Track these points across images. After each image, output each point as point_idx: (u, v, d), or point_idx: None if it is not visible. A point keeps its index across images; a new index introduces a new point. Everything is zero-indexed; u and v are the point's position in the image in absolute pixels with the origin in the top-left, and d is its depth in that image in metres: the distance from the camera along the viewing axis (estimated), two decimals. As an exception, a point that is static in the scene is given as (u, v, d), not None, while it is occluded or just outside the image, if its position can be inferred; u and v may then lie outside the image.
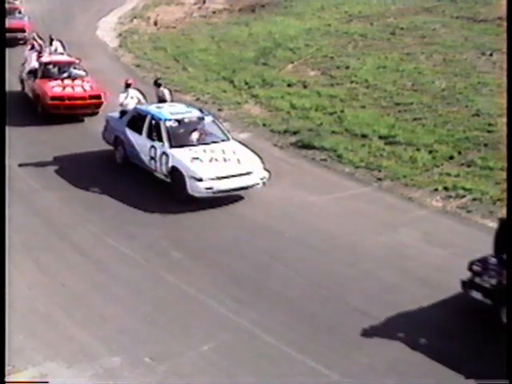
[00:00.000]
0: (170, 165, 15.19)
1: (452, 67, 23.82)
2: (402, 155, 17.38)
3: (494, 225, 13.96)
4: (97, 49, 28.06)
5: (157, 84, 18.77)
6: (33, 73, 21.34)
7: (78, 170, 16.78)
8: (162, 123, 15.83)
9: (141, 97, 17.93)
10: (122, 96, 17.80)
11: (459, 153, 17.37)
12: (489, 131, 18.44)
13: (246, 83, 23.42)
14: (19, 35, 28.47)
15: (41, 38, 24.04)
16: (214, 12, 34.93)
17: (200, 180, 14.58)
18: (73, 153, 17.76)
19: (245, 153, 15.54)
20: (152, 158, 15.74)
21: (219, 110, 21.23)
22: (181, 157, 15.13)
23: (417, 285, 11.95)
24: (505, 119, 19.06)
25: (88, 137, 18.85)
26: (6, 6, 26.81)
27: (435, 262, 12.32)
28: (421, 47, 26.36)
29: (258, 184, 15.05)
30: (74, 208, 14.88)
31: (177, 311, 11.19)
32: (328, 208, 14.91)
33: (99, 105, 20.29)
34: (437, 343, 10.37)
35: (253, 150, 15.76)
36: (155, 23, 32.90)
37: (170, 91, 18.96)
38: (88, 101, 20.32)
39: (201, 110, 16.89)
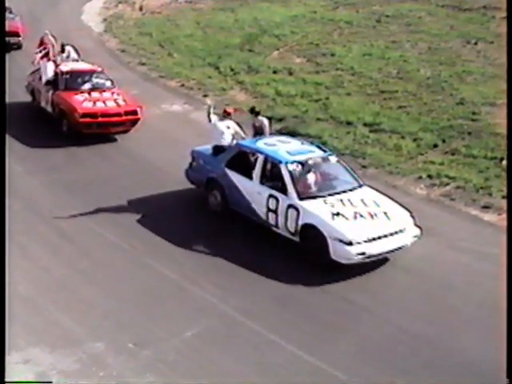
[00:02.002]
0: (301, 222, 12.18)
1: (437, 55, 23.84)
2: (386, 143, 17.40)
3: (477, 213, 14.11)
4: (82, 33, 27.77)
5: (254, 112, 15.26)
6: (51, 84, 18.52)
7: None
8: (282, 167, 12.73)
9: (238, 128, 14.55)
10: (221, 125, 14.36)
11: (443, 141, 17.42)
12: (473, 120, 18.50)
13: (232, 69, 23.35)
14: (12, 40, 24.62)
15: (54, 37, 20.23)
16: (199, -3, 34.74)
17: (349, 244, 11.63)
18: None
19: (389, 204, 12.65)
20: (271, 211, 12.69)
21: (204, 96, 21.13)
22: (318, 212, 12.12)
23: (399, 273, 12.00)
24: (488, 108, 19.22)
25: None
26: None
27: (418, 250, 12.35)
28: (406, 35, 26.36)
29: (409, 243, 12.27)
30: (58, 193, 14.81)
31: (160, 297, 11.19)
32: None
33: (135, 121, 17.78)
34: (419, 329, 10.45)
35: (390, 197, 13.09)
36: (140, 8, 32.69)
37: (270, 121, 16.10)
38: (124, 117, 17.68)
39: (320, 147, 13.87)
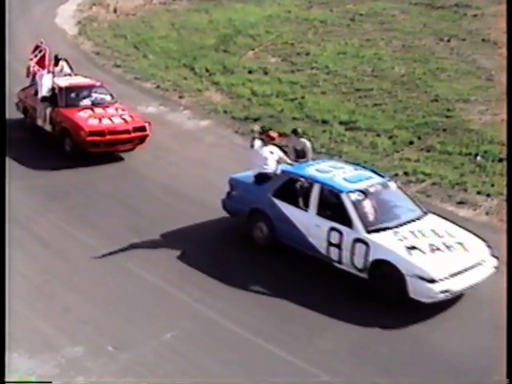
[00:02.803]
0: (372, 258, 11.06)
1: (411, 53, 23.95)
2: (362, 141, 17.47)
3: (452, 208, 14.20)
4: (55, 36, 27.55)
5: (296, 133, 14.13)
6: (48, 100, 17.33)
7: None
8: (344, 197, 11.61)
9: (282, 154, 13.22)
10: (264, 151, 13.00)
11: (419, 138, 17.52)
12: (447, 116, 18.62)
13: (207, 70, 23.31)
14: None
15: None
16: (173, -1, 34.66)
17: (432, 281, 10.49)
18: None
19: (462, 233, 11.62)
20: (333, 245, 11.53)
21: (180, 97, 21.12)
22: (391, 246, 11.00)
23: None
24: (462, 104, 19.36)
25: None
26: None
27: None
28: (380, 33, 26.45)
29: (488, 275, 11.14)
30: (35, 198, 14.71)
31: (138, 300, 11.16)
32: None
33: (144, 138, 16.76)
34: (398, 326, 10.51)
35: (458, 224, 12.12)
36: (115, 10, 32.52)
37: (312, 143, 14.96)
38: (132, 134, 16.62)
39: (376, 172, 12.78)
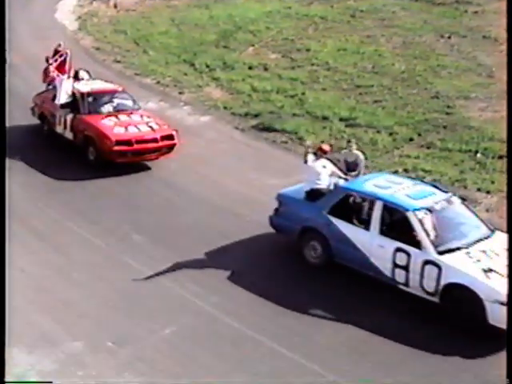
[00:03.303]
0: (445, 281, 10.31)
1: (411, 50, 23.93)
2: (362, 137, 17.45)
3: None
4: (55, 31, 27.51)
5: (350, 145, 13.65)
6: (69, 106, 16.61)
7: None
8: (410, 215, 10.89)
9: (334, 168, 12.56)
10: (317, 166, 12.32)
11: (419, 135, 17.52)
12: (447, 113, 18.62)
13: (207, 66, 23.29)
14: None
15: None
16: (174, -6, 34.60)
17: None
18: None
19: None
20: (399, 267, 10.78)
21: (180, 93, 21.11)
22: (466, 269, 10.24)
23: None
24: (463, 101, 19.34)
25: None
26: None
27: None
28: (381, 30, 26.42)
29: None
30: (35, 193, 14.71)
31: (138, 295, 11.17)
32: (289, 190, 14.90)
33: (172, 147, 16.03)
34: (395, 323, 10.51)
35: None
36: (115, 6, 32.45)
37: (364, 154, 14.34)
38: (160, 143, 15.85)
39: (437, 187, 11.98)
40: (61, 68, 17.86)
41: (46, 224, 13.40)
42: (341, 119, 18.54)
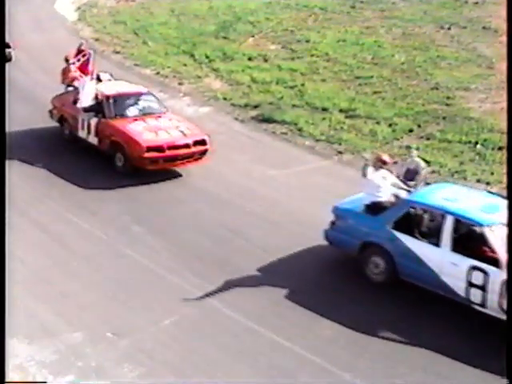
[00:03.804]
0: None
1: (411, 41, 23.92)
2: (362, 128, 17.46)
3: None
4: (55, 22, 27.57)
5: (409, 151, 13.25)
6: (93, 110, 15.71)
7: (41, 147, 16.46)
8: (487, 231, 10.12)
9: (395, 179, 11.82)
10: (377, 178, 11.53)
11: (418, 126, 17.53)
12: (447, 104, 18.62)
13: (207, 57, 23.28)
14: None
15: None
16: (173, -15, 34.53)
17: None
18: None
19: None
20: (474, 286, 10.05)
21: (180, 83, 21.10)
22: None
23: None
24: (462, 92, 19.33)
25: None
26: None
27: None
28: (380, 21, 26.40)
29: None
30: (34, 185, 14.69)
31: (137, 286, 11.16)
32: (288, 182, 14.93)
33: (204, 152, 15.29)
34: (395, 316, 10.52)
35: None
36: (114, -4, 32.46)
37: (427, 163, 13.79)
38: (192, 149, 15.05)
39: (500, 196, 11.30)
40: (83, 69, 17.07)
41: (44, 215, 13.36)
42: (340, 110, 18.54)
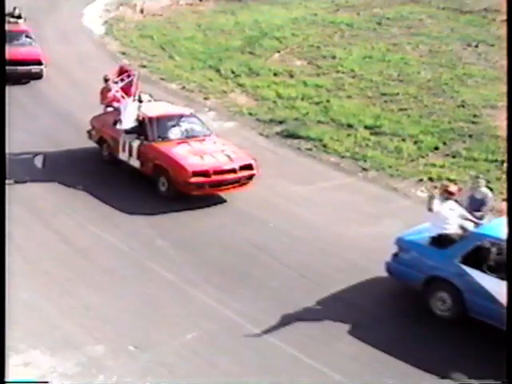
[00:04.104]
0: None
1: (438, 58, 23.87)
2: (387, 145, 17.43)
3: (477, 215, 14.10)
4: (82, 36, 27.85)
5: (477, 182, 12.66)
6: (135, 132, 15.27)
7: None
8: None
9: (463, 210, 11.30)
10: (444, 210, 11.01)
11: (444, 143, 17.46)
12: (473, 122, 18.56)
13: (233, 72, 23.37)
14: (33, 69, 21.49)
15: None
16: (200, 0, 34.78)
17: None
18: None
19: None
20: None
21: (205, 98, 21.19)
22: None
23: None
24: (489, 110, 19.23)
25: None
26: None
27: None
28: (407, 38, 26.39)
29: None
30: (59, 196, 14.78)
31: (160, 300, 11.17)
32: (312, 198, 14.91)
33: (250, 178, 14.73)
34: (420, 332, 10.45)
35: None
36: (141, 11, 32.72)
37: (493, 192, 13.22)
38: (238, 173, 14.51)
39: None
40: (126, 90, 16.39)
41: (68, 227, 13.44)
42: (365, 127, 18.52)
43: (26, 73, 21.08)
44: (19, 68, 20.51)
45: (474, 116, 18.90)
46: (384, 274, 11.49)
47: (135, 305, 11.04)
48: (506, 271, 9.56)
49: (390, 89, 21.21)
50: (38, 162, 16.07)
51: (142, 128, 15.24)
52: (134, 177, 15.36)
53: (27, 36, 22.42)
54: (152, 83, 22.57)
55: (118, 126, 15.49)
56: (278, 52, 25.50)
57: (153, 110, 15.71)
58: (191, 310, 10.96)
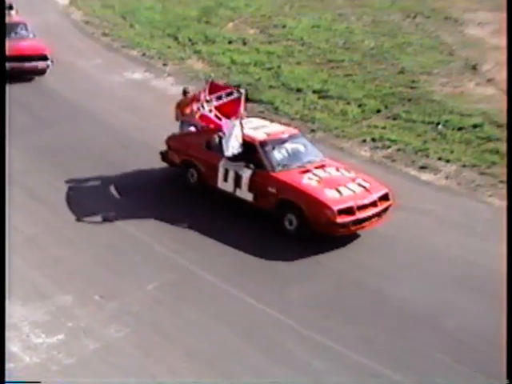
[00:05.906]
0: None
1: (380, 28, 23.74)
2: (333, 108, 17.36)
3: (415, 173, 14.23)
4: (47, 6, 27.02)
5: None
6: (241, 158, 11.95)
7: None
8: None
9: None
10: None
11: (386, 107, 17.44)
12: (412, 87, 18.55)
13: (190, 40, 23.00)
14: (40, 65, 18.25)
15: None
16: (159, -28, 34.00)
17: None
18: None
19: None
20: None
21: (164, 64, 20.84)
22: None
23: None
24: (426, 76, 19.27)
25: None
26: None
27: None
28: (352, 9, 26.17)
29: None
30: (26, 155, 14.44)
31: (124, 253, 11.06)
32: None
33: (387, 209, 11.61)
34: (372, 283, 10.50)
35: None
36: (103, -18, 31.88)
37: None
38: (379, 206, 11.44)
39: None
40: (227, 109, 12.74)
41: (36, 183, 13.13)
42: (314, 91, 18.40)
43: (32, 69, 18.14)
44: (26, 64, 17.87)
45: (413, 81, 18.87)
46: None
47: (101, 258, 10.90)
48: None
49: (337, 56, 21.07)
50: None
51: (250, 154, 11.96)
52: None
53: (25, 28, 19.12)
54: (114, 50, 22.19)
55: (225, 154, 12.02)
56: (233, 21, 25.13)
57: (257, 131, 12.47)
58: (153, 262, 10.85)
